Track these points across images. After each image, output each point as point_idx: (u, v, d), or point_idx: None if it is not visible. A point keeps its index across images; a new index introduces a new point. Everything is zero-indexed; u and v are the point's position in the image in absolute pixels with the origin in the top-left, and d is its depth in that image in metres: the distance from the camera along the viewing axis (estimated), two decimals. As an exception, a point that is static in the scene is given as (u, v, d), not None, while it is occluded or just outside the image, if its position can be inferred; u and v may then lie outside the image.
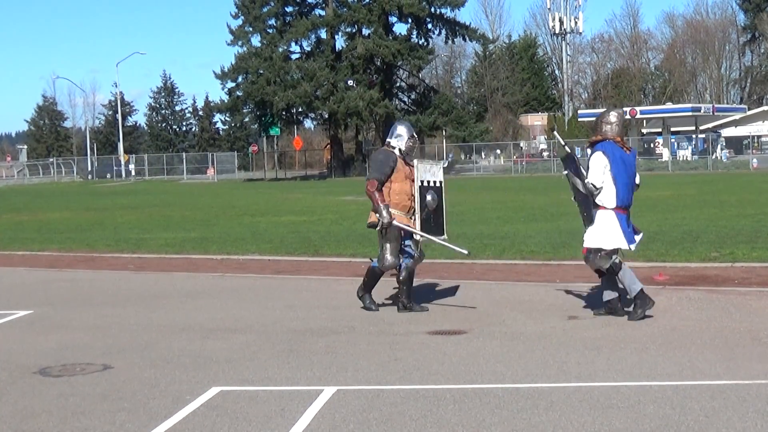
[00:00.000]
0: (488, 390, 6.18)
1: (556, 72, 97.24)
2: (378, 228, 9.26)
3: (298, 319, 9.10)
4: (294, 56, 69.04)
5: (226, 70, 67.86)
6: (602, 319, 8.56)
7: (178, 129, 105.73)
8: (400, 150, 9.44)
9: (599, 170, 8.50)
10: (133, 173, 79.12)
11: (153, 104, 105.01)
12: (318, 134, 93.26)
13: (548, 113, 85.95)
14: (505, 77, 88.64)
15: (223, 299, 10.51)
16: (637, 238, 8.76)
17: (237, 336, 8.30)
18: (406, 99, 74.00)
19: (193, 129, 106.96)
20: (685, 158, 63.46)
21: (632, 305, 8.54)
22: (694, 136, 67.62)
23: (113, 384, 6.65)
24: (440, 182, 9.53)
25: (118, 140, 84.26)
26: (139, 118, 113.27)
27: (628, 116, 66.57)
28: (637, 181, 8.78)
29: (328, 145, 72.42)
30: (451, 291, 10.55)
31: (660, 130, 69.36)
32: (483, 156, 76.70)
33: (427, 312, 9.26)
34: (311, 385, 6.46)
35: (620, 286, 8.65)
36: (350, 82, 65.68)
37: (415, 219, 9.29)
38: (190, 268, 13.64)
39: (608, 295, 8.75)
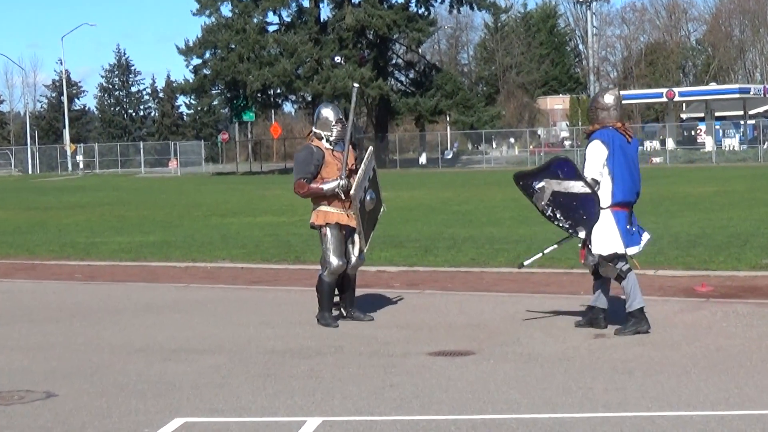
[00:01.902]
0: (500, 421, 6.18)
1: (580, 47, 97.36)
2: (318, 227, 9.63)
3: (276, 337, 9.10)
4: (271, 28, 69.05)
5: (191, 44, 67.82)
6: (634, 337, 8.57)
7: (134, 114, 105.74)
8: (327, 139, 9.60)
9: (598, 162, 8.69)
10: (81, 166, 79.05)
11: (105, 85, 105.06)
12: (299, 120, 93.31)
13: (570, 95, 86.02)
14: (520, 53, 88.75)
15: (188, 314, 10.50)
16: (644, 238, 8.92)
17: (204, 358, 8.30)
18: (403, 78, 74.07)
19: (153, 114, 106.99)
20: (731, 148, 63.57)
21: (626, 321, 8.81)
22: (742, 122, 67.77)
23: (57, 415, 6.63)
24: (372, 169, 9.80)
25: (64, 127, 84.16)
26: (89, 100, 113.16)
27: (665, 98, 66.92)
28: None
29: (311, 133, 72.49)
30: (456, 304, 10.55)
31: (702, 115, 69.51)
32: (494, 145, 76.83)
33: (425, 328, 9.26)
34: (292, 415, 6.45)
35: (622, 295, 8.91)
36: (337, 59, 65.67)
37: (356, 216, 9.51)
38: (149, 278, 13.63)
39: (595, 301, 9.05)
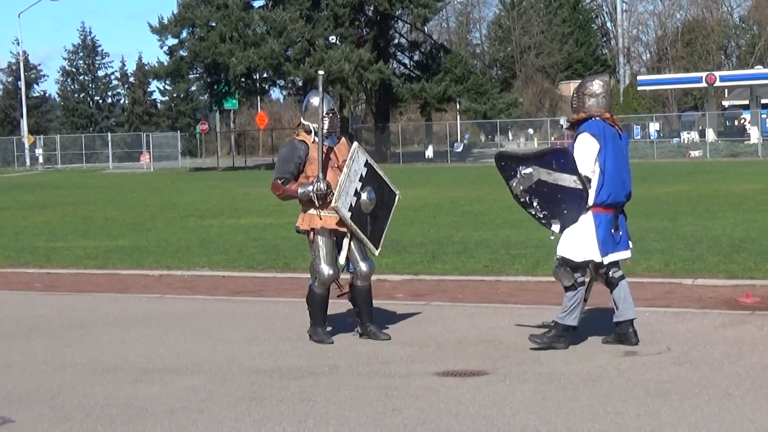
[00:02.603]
0: (517, 451, 6.19)
1: (608, 25, 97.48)
2: (305, 232, 9.57)
3: (262, 355, 9.10)
4: (257, 4, 69.11)
5: (165, 21, 67.88)
6: (669, 356, 8.58)
7: (101, 101, 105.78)
8: (316, 131, 9.56)
9: (590, 158, 8.76)
10: (40, 160, 79.11)
11: (67, 68, 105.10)
12: (289, 108, 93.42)
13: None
14: (540, 32, 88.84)
15: (162, 329, 10.51)
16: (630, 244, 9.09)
17: (180, 379, 8.31)
18: (406, 61, 74.10)
19: (122, 101, 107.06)
20: (780, 140, 63.54)
21: (548, 329, 9.00)
22: (792, 110, 67.72)
23: (14, 443, 6.64)
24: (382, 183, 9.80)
25: (21, 116, 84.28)
26: (50, 86, 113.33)
27: (704, 84, 66.91)
28: None
29: (299, 125, 72.50)
30: (464, 318, 10.57)
31: (747, 102, 69.49)
32: (510, 137, 76.93)
33: (431, 347, 9.26)
34: (280, 444, 6.46)
35: (566, 303, 8.96)
36: (332, 39, 65.73)
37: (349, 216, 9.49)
38: (118, 288, 13.64)
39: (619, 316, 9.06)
